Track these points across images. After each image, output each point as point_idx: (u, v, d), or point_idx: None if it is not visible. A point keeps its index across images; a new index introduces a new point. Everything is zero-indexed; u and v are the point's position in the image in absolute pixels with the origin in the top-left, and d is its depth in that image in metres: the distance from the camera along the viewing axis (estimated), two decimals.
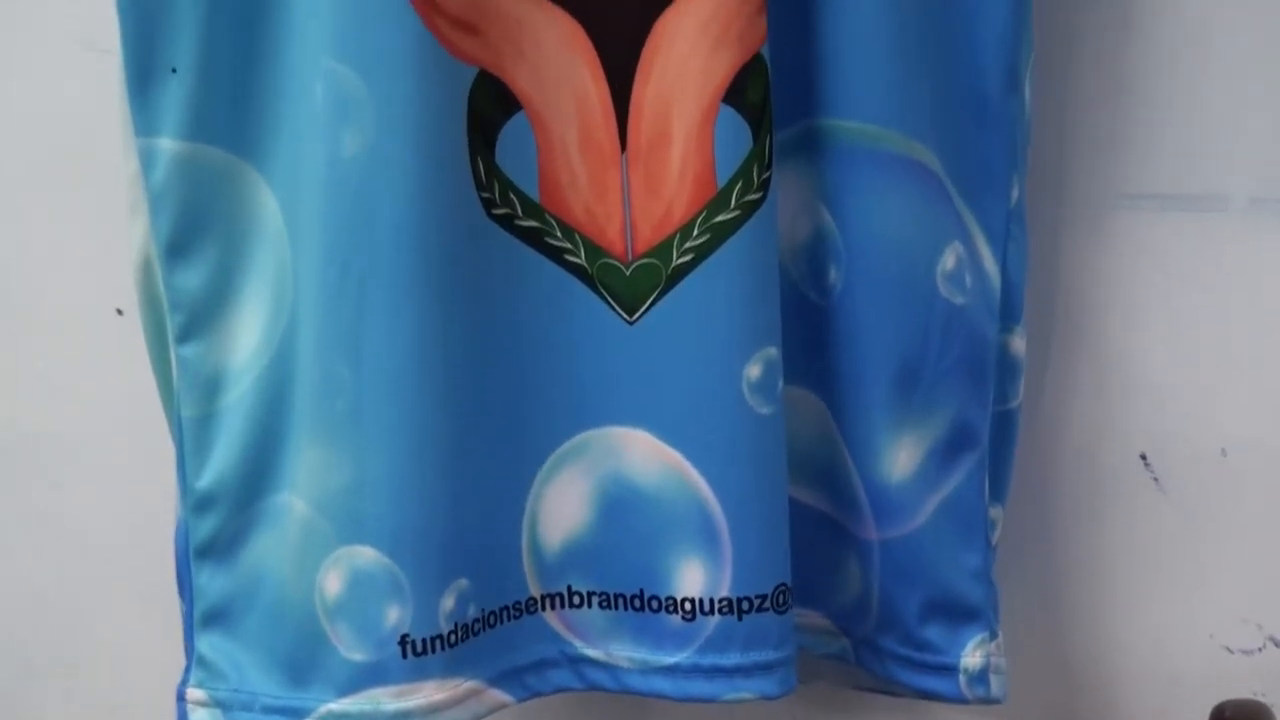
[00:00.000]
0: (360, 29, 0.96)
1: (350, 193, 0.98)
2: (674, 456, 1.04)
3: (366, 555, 1.02)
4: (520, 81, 1.00)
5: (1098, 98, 1.17)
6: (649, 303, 1.02)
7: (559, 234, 1.03)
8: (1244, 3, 1.14)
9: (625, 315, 1.03)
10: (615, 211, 1.02)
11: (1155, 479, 1.23)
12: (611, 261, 1.03)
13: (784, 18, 1.01)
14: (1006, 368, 1.14)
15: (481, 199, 1.01)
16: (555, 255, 1.03)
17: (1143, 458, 1.23)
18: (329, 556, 1.03)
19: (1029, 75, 1.08)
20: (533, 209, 1.02)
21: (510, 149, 1.01)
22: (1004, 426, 1.16)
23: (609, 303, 1.03)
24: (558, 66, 1.00)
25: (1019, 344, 1.14)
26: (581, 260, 1.03)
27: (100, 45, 1.19)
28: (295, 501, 1.04)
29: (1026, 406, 1.18)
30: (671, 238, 1.01)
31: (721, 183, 1.00)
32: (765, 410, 1.03)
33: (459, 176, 1.00)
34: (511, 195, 1.01)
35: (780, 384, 1.03)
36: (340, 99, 0.97)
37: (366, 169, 0.98)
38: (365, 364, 1.00)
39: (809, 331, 1.08)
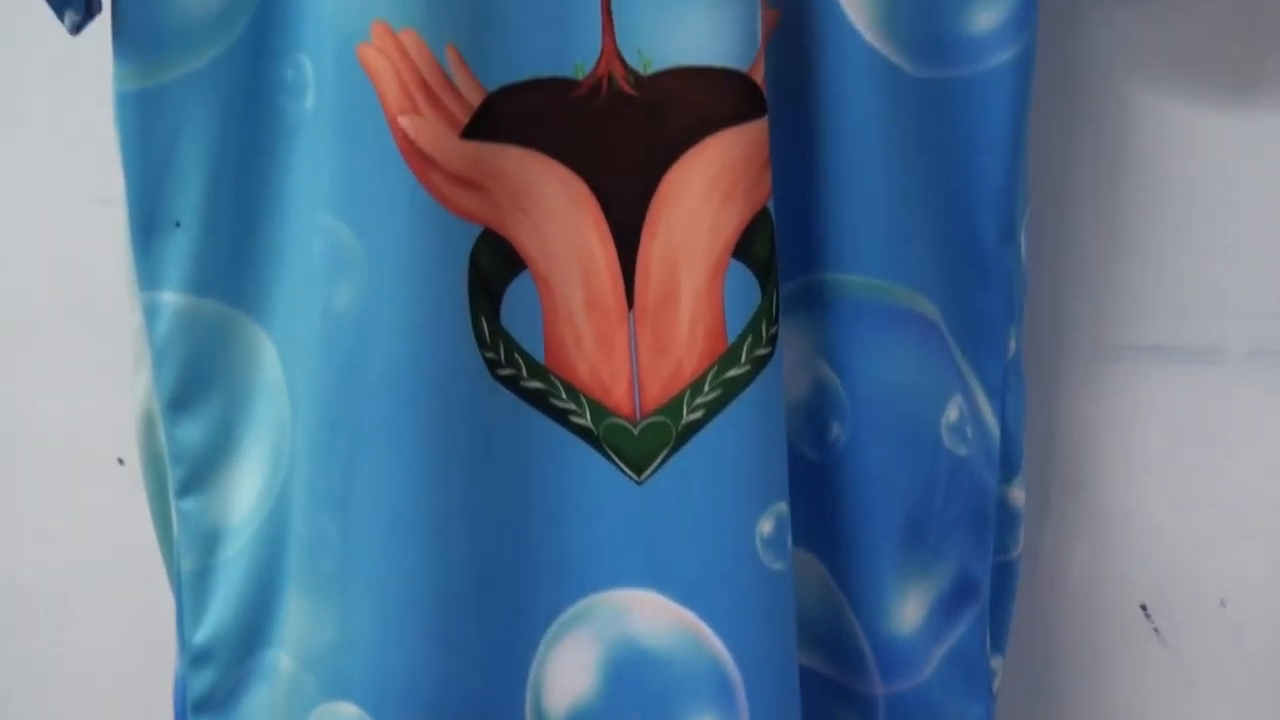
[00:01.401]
0: (355, 185, 0.96)
1: (341, 348, 0.97)
2: (687, 616, 1.01)
3: (349, 712, 1.00)
4: (524, 240, 0.98)
5: (1092, 250, 1.17)
6: (658, 462, 1.00)
7: (564, 395, 1.00)
8: (1235, 158, 1.15)
9: (633, 475, 1.00)
10: (622, 371, 1.00)
11: (1156, 630, 1.22)
12: (618, 421, 1.00)
13: (786, 172, 1.00)
14: (1006, 518, 1.13)
15: (485, 359, 0.98)
16: (560, 417, 1.00)
17: (1143, 608, 1.22)
18: (311, 712, 1.01)
19: (1024, 228, 1.07)
20: (538, 370, 1.00)
21: (515, 309, 0.99)
22: (1004, 577, 1.14)
23: (616, 464, 1.00)
24: (563, 225, 0.98)
25: (1018, 495, 1.13)
26: (587, 422, 1.00)
27: (105, 197, 1.18)
28: (283, 658, 1.02)
29: (1027, 557, 1.17)
30: (682, 395, 0.99)
31: (732, 338, 0.98)
32: (777, 566, 1.00)
33: (459, 336, 0.97)
34: (517, 356, 0.99)
35: (790, 539, 1.01)
36: (335, 254, 0.96)
37: (358, 324, 0.96)
38: (352, 522, 0.98)
39: (806, 490, 1.05)
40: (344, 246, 0.96)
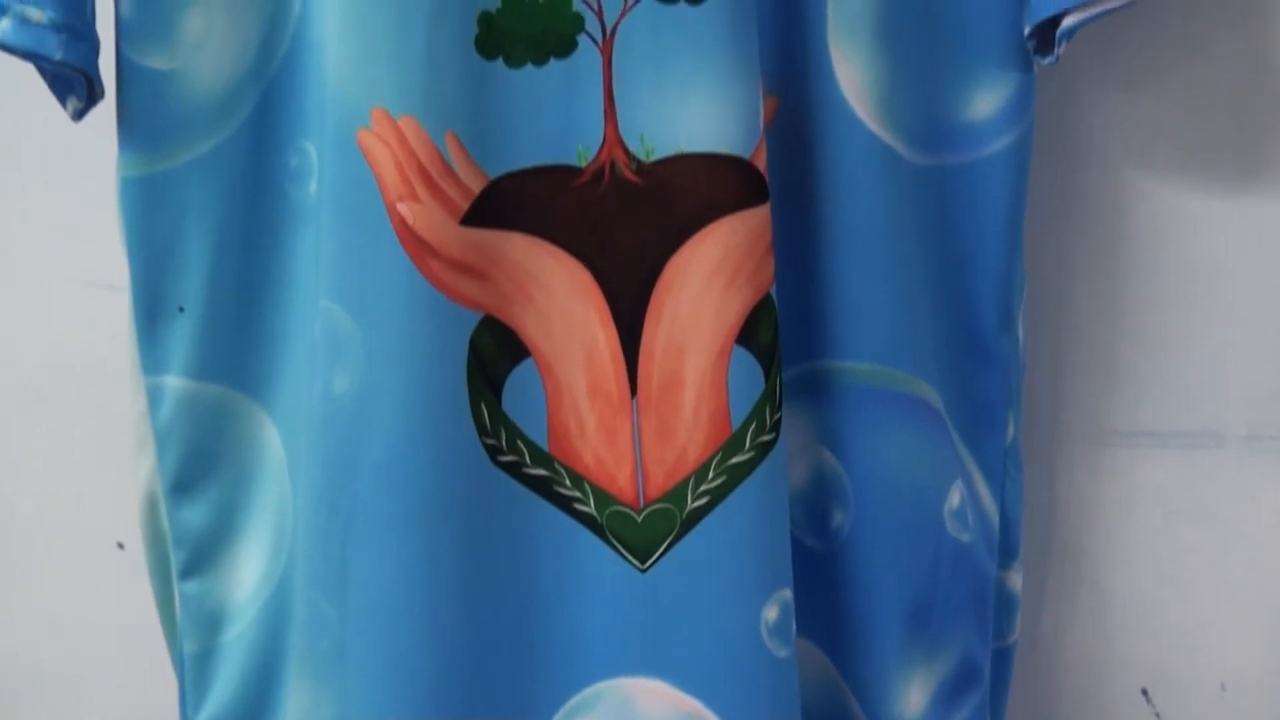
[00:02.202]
0: (354, 270, 0.96)
1: (340, 431, 0.97)
2: (693, 705, 0.99)
3: None
4: (528, 328, 0.98)
5: (1091, 334, 1.17)
6: (663, 549, 0.99)
7: (568, 483, 0.99)
8: (1233, 242, 1.14)
9: (637, 563, 0.99)
10: (626, 458, 0.99)
11: (1157, 714, 1.21)
12: (622, 509, 0.99)
13: (788, 258, 1.00)
14: (1004, 604, 1.12)
15: (485, 445, 0.98)
16: (564, 504, 0.99)
17: (1144, 692, 1.21)
18: None
19: (1022, 313, 1.07)
20: (541, 457, 0.99)
21: (518, 395, 0.98)
22: (1001, 662, 1.13)
23: (620, 551, 0.99)
24: (566, 313, 0.98)
25: (1016, 580, 1.12)
26: (591, 509, 0.99)
27: (109, 283, 1.18)
28: None
29: (1025, 641, 1.16)
30: (686, 481, 0.98)
31: (736, 424, 0.97)
32: (783, 653, 0.99)
33: (457, 421, 0.97)
34: (519, 443, 0.98)
35: (794, 625, 1.00)
36: (334, 338, 0.96)
37: (356, 408, 0.96)
38: (349, 604, 0.98)
39: (807, 578, 1.04)
40: (343, 331, 0.96)
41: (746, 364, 0.97)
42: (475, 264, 0.96)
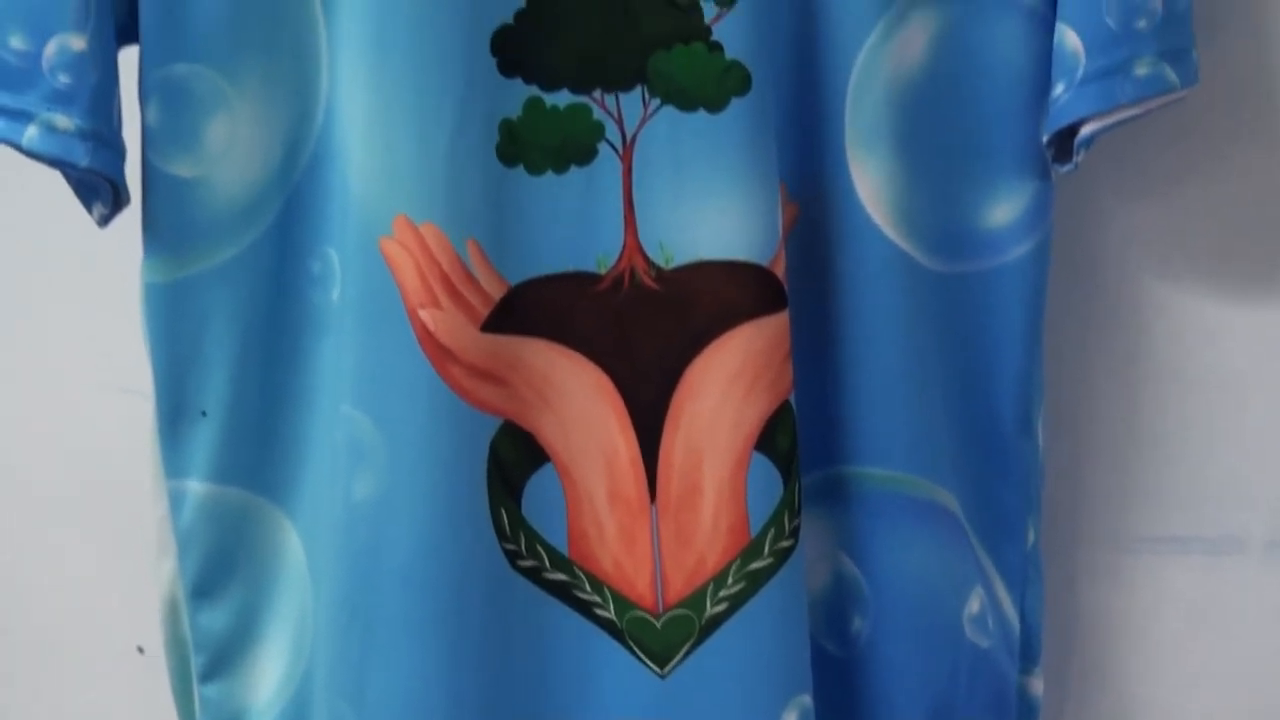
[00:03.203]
0: (375, 376, 0.96)
1: (361, 536, 0.97)
2: None
3: None
4: (546, 433, 0.98)
5: (1111, 440, 1.17)
6: (682, 654, 0.98)
7: (587, 588, 0.99)
8: (1252, 348, 1.14)
9: (656, 668, 0.99)
10: (645, 563, 0.99)
11: None
12: (642, 614, 0.99)
13: (807, 364, 0.99)
14: (1025, 709, 1.11)
15: (505, 550, 0.98)
16: (584, 609, 0.99)
17: None
18: None
19: (1041, 419, 1.06)
20: (561, 562, 0.99)
21: (538, 501, 0.98)
22: None
23: (639, 656, 0.99)
24: (585, 419, 0.97)
25: (1037, 685, 1.11)
26: (610, 614, 0.99)
27: (133, 387, 1.16)
28: None
29: None
30: (705, 587, 0.98)
31: (755, 531, 0.97)
32: None
33: (478, 527, 0.97)
34: (539, 548, 0.98)
35: None
36: (355, 444, 0.96)
37: (376, 514, 0.96)
38: (369, 709, 0.98)
39: (827, 684, 1.03)
40: (364, 437, 0.96)
41: (765, 470, 0.97)
42: (496, 370, 0.96)
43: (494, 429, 0.97)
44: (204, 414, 1.00)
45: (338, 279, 0.98)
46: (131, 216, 0.99)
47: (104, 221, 0.99)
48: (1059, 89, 0.98)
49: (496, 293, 0.96)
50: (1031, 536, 1.07)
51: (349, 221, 0.96)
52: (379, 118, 0.94)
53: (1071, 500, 1.17)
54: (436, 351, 0.95)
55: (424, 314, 0.95)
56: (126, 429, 1.16)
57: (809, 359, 0.99)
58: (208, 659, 1.03)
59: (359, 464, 0.96)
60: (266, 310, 0.99)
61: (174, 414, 1.00)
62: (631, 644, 0.99)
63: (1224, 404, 1.15)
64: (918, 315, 1.00)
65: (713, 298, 0.96)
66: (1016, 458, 1.06)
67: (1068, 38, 0.97)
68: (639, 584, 0.99)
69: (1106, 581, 1.18)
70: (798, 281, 0.98)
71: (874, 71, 0.97)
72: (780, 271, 0.95)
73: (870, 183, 0.98)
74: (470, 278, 0.95)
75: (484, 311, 0.96)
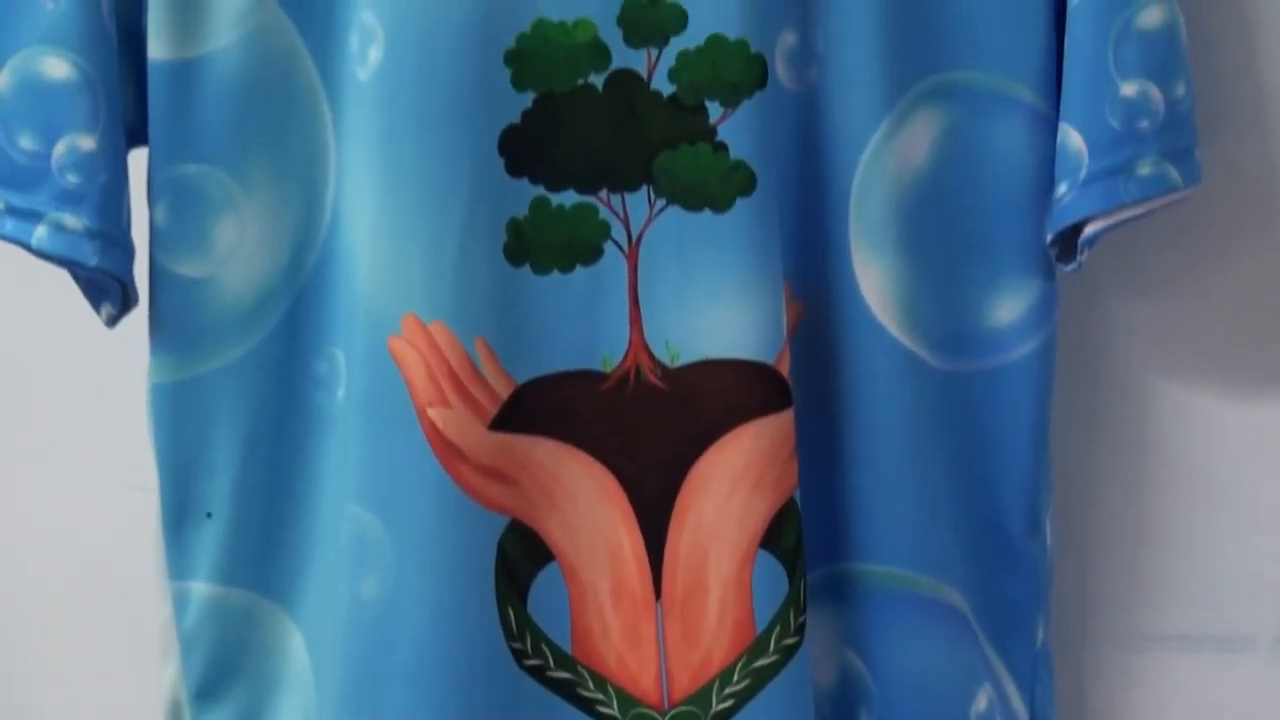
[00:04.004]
0: (383, 476, 0.96)
1: (368, 635, 0.96)
2: None
3: None
4: (553, 532, 0.97)
5: (1119, 538, 1.16)
6: None
7: (591, 686, 0.98)
8: (1259, 445, 1.14)
9: None
10: (650, 661, 0.98)
11: None
12: (646, 711, 0.98)
13: (812, 462, 0.99)
14: None
15: (512, 649, 0.97)
16: (588, 707, 0.99)
17: None
18: None
19: (1050, 517, 1.06)
20: (565, 661, 0.98)
21: (543, 599, 0.98)
22: None
23: None
24: (591, 517, 0.97)
25: None
26: (614, 712, 0.98)
27: (140, 484, 1.15)
28: None
29: None
30: (711, 684, 0.97)
31: (760, 628, 0.97)
32: None
33: (485, 625, 0.97)
34: (544, 647, 0.98)
35: None
36: (363, 544, 0.96)
37: (384, 613, 0.96)
38: None
39: None
40: (372, 536, 0.96)
41: (770, 568, 0.96)
42: (503, 468, 0.96)
43: (502, 527, 0.97)
44: (209, 515, 1.00)
45: (343, 379, 0.98)
46: (141, 316, 0.99)
47: (112, 321, 0.99)
48: (1062, 188, 0.98)
49: (504, 391, 0.96)
50: (1041, 635, 1.07)
51: (357, 320, 0.96)
52: (387, 217, 0.94)
53: (1080, 598, 1.16)
54: (445, 450, 0.95)
55: (433, 412, 0.95)
56: (134, 527, 1.14)
57: (814, 456, 0.99)
58: None
59: (366, 563, 0.96)
60: (272, 411, 0.99)
61: (179, 514, 1.00)
62: None
63: (1231, 501, 1.14)
64: (924, 413, 1.00)
65: (718, 396, 0.96)
66: (1025, 556, 1.05)
67: (1071, 137, 0.98)
68: (644, 681, 0.98)
69: (1116, 680, 1.17)
70: (803, 379, 0.98)
71: (878, 170, 0.97)
72: (785, 370, 0.95)
73: (876, 281, 0.98)
74: (479, 376, 0.95)
75: (492, 410, 0.96)
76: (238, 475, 0.99)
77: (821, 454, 0.99)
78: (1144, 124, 0.97)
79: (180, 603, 1.01)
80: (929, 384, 1.00)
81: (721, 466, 0.96)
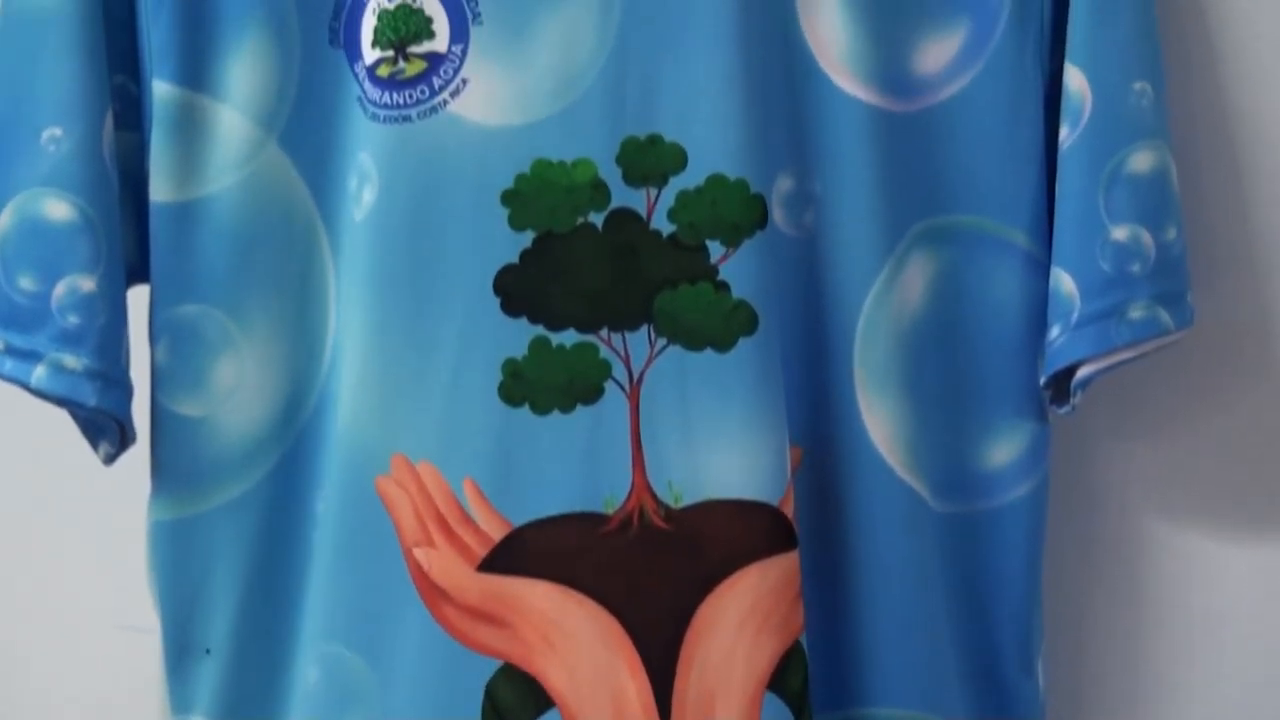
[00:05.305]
0: (368, 615, 0.95)
1: None
2: None
3: None
4: (552, 677, 0.96)
5: (1115, 680, 1.16)
6: None
7: None
8: (1256, 587, 1.14)
9: None
10: None
11: None
12: None
13: (817, 603, 0.98)
14: None
15: None
16: None
17: None
18: None
19: (1041, 658, 1.06)
20: None
21: None
22: None
23: None
24: (593, 663, 0.95)
25: None
26: None
27: (139, 624, 1.14)
28: None
29: None
30: None
31: None
32: None
33: None
34: None
35: None
36: (347, 684, 0.96)
37: None
38: None
39: None
40: (356, 676, 0.95)
41: (778, 710, 0.95)
42: (494, 611, 0.95)
43: (490, 671, 0.95)
44: (208, 652, 0.99)
45: (335, 516, 0.97)
46: (141, 454, 0.99)
47: (110, 460, 0.98)
48: (1054, 332, 0.99)
49: (496, 532, 0.95)
50: None
51: (346, 460, 0.96)
52: (376, 356, 0.94)
53: None
54: (430, 591, 0.94)
55: (418, 553, 0.94)
56: (135, 666, 1.14)
57: (820, 596, 0.98)
58: None
59: (350, 704, 0.95)
60: (270, 550, 0.99)
61: (179, 651, 1.00)
62: None
63: (1226, 641, 1.14)
64: (924, 554, 1.00)
65: (722, 538, 0.95)
66: (1018, 696, 1.05)
67: (1063, 281, 0.98)
68: None
69: None
70: (807, 519, 0.98)
71: (883, 314, 0.98)
72: (789, 511, 0.95)
73: (882, 424, 0.98)
74: (466, 517, 0.95)
75: (481, 551, 0.95)
76: (236, 613, 0.99)
77: (827, 594, 0.99)
78: (1135, 268, 0.98)
79: None
80: (929, 525, 1.00)
81: (728, 608, 0.95)
